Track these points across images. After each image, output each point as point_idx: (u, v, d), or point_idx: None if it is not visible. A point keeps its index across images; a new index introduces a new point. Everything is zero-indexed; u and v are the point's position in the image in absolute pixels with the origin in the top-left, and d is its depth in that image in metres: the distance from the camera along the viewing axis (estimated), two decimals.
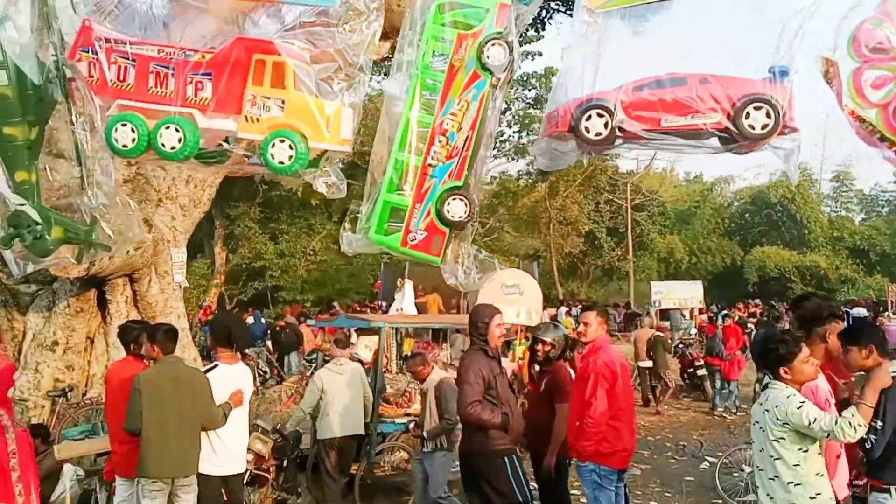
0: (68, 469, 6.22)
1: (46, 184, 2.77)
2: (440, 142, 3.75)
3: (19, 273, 1.80)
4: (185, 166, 6.79)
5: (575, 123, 3.77)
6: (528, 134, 29.60)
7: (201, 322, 17.51)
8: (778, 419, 3.66)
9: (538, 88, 28.31)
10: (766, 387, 3.95)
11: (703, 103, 3.66)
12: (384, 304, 18.13)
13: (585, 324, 5.58)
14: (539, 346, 6.29)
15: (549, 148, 4.06)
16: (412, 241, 3.82)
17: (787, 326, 13.33)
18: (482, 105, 3.71)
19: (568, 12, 16.01)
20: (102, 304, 9.07)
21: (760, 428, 3.82)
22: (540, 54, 25.60)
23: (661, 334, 14.67)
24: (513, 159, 30.24)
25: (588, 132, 3.76)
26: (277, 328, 16.78)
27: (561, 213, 31.86)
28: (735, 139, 3.73)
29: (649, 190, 35.45)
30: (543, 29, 17.56)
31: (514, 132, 29.79)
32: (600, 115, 3.73)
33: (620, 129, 3.75)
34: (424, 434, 6.63)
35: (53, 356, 8.76)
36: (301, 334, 16.14)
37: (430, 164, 3.78)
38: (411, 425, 7.30)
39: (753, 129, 3.62)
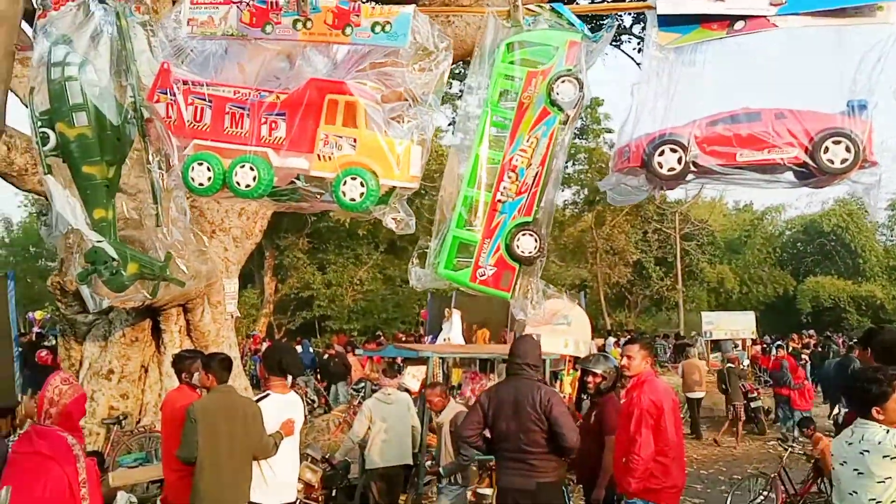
0: (122, 496, 6.32)
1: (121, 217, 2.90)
2: (510, 178, 3.75)
3: (95, 308, 1.87)
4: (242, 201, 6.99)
5: (647, 159, 3.74)
6: (573, 163, 29.55)
7: (251, 351, 17.74)
8: (886, 456, 3.48)
9: (583, 119, 28.33)
10: (842, 423, 3.77)
11: (779, 138, 3.61)
12: (429, 337, 18.17)
13: (629, 357, 5.43)
14: (590, 378, 6.21)
15: (619, 183, 4.03)
16: (482, 276, 3.80)
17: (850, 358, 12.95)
18: (551, 141, 3.72)
19: (615, 43, 16.07)
20: (157, 333, 9.28)
21: (855, 470, 3.61)
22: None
23: (733, 365, 14.42)
24: (560, 189, 30.15)
25: (661, 167, 3.72)
26: (326, 357, 16.93)
27: (608, 243, 31.61)
28: (812, 174, 3.67)
29: (698, 219, 34.96)
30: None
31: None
32: (673, 151, 3.70)
33: (694, 164, 3.71)
34: (441, 470, 6.52)
35: (109, 384, 8.97)
36: (349, 364, 16.26)
37: (499, 200, 3.77)
38: (426, 461, 7.16)
39: (833, 163, 3.56)
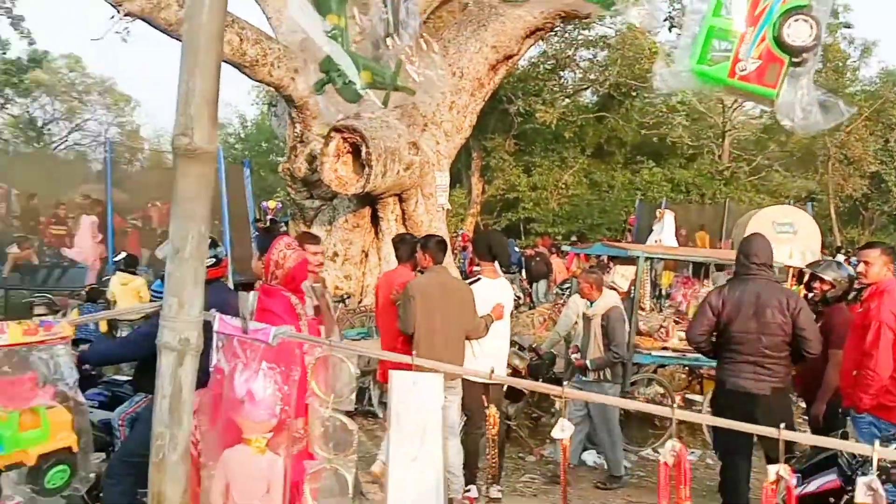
0: (346, 368, 6.84)
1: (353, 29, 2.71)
2: None
3: (331, 118, 1.87)
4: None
5: None
6: None
7: (460, 248, 18.32)
8: None
9: None
10: None
11: None
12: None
13: (867, 263, 4.81)
14: (817, 285, 5.64)
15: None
16: (742, 71, 3.25)
17: None
18: None
19: None
20: (375, 221, 9.81)
21: None
22: None
23: None
24: None
25: None
26: (528, 257, 17.15)
27: (841, 151, 28.42)
28: None
29: None
30: None
31: None
32: None
33: None
34: (587, 363, 6.32)
35: (334, 266, 9.68)
36: (551, 264, 16.34)
37: None
38: (572, 353, 6.82)
39: None
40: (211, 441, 2.12)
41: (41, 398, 1.72)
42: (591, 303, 6.45)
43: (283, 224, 19.06)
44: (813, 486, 4.29)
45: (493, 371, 2.19)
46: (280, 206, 22.62)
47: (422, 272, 5.73)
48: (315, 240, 5.47)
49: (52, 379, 1.76)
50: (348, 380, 1.93)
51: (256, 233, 14.79)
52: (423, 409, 1.94)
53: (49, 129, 38.42)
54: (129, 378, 4.90)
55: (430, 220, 9.75)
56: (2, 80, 29.69)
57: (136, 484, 3.70)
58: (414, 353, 5.12)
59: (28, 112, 37.19)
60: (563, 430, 1.85)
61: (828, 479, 4.25)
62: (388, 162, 8.49)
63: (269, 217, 18.91)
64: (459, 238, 19.80)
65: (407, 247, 6.00)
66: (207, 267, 2.01)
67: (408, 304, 5.21)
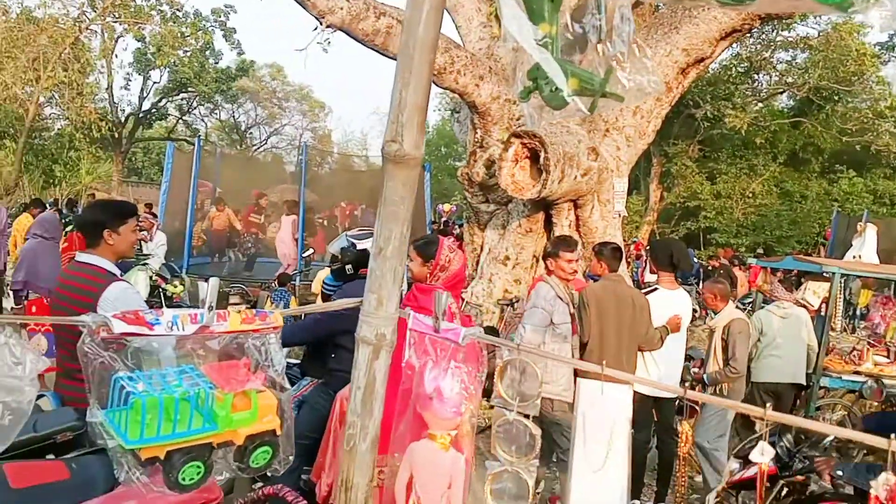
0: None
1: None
2: None
3: (534, 126, 1.85)
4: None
5: None
6: None
7: (633, 257, 17.88)
8: None
9: None
10: None
11: None
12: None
13: None
14: None
15: None
16: None
17: None
18: None
19: None
20: (548, 226, 9.79)
21: None
22: None
23: None
24: None
25: None
26: (710, 268, 16.38)
27: None
28: None
29: None
30: None
31: None
32: None
33: None
34: (704, 377, 5.83)
35: (504, 269, 9.78)
36: (734, 276, 15.49)
37: None
38: (693, 367, 6.38)
39: None
40: (399, 433, 2.23)
41: (253, 382, 1.86)
42: (715, 313, 6.13)
43: (457, 226, 19.57)
44: (751, 471, 4.40)
45: (686, 390, 2.13)
46: (455, 208, 23.19)
47: (594, 279, 5.66)
48: (571, 246, 5.27)
49: (264, 365, 1.92)
50: (534, 384, 1.96)
51: (432, 233, 15.34)
52: (609, 419, 1.94)
53: (251, 133, 41.92)
54: (298, 362, 5.18)
55: (605, 226, 9.58)
56: (213, 87, 32.69)
57: (302, 464, 3.98)
58: (585, 360, 5.12)
59: (234, 117, 40.80)
60: (762, 453, 1.77)
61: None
62: (565, 168, 8.45)
63: (443, 219, 19.48)
64: (633, 246, 19.30)
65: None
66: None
67: (583, 313, 5.17)
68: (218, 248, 14.87)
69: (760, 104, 25.38)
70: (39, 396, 3.12)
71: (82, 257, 3.18)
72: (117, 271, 3.26)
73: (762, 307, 7.25)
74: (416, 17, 1.92)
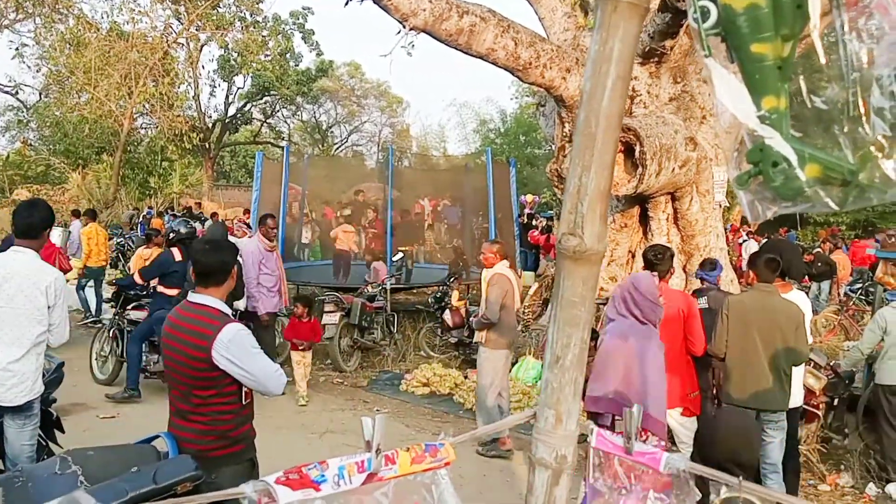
0: None
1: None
2: None
3: (757, 219, 1.58)
4: None
5: None
6: None
7: (728, 242, 17.18)
8: None
9: None
10: None
11: None
12: None
13: None
14: None
15: None
16: None
17: None
18: None
19: None
20: (644, 220, 9.44)
21: None
22: None
23: None
24: None
25: None
26: (807, 262, 15.50)
27: None
28: None
29: None
30: None
31: None
32: None
33: None
34: (472, 322, 5.55)
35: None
36: (833, 263, 14.63)
37: None
38: None
39: None
40: None
41: None
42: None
43: (541, 218, 19.21)
44: None
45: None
46: (538, 199, 22.81)
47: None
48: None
49: None
50: None
51: (518, 228, 15.09)
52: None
53: (331, 132, 42.56)
54: None
55: (704, 218, 9.16)
56: (294, 89, 33.30)
57: None
58: (727, 374, 4.71)
59: (315, 117, 41.51)
60: None
61: None
62: (662, 160, 8.11)
63: (526, 211, 19.10)
64: (729, 231, 18.56)
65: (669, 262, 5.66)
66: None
67: (720, 323, 4.90)
68: (344, 269, 14.04)
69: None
70: (154, 437, 3.13)
71: (197, 298, 3.13)
72: (229, 311, 3.22)
73: (887, 303, 6.74)
74: (600, 88, 1.63)
